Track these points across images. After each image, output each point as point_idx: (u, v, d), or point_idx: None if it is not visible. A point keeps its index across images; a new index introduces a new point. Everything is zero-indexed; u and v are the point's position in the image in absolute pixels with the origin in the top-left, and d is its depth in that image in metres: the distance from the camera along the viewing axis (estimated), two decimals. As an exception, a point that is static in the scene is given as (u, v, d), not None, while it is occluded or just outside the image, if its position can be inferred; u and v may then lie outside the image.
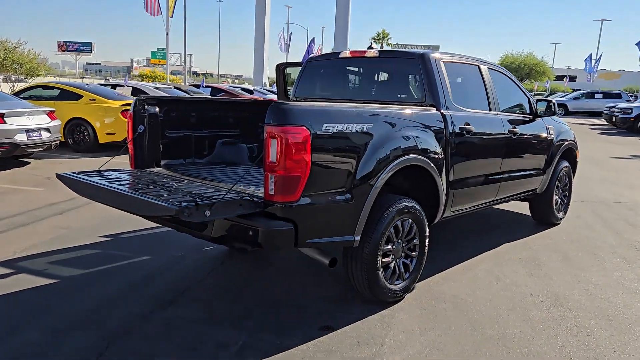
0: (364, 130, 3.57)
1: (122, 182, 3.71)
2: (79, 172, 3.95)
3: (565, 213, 6.76)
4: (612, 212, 7.38)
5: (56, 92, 12.25)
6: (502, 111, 5.25)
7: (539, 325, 3.78)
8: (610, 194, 8.74)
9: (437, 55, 4.58)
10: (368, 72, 5.13)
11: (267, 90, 25.90)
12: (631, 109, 22.23)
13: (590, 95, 36.28)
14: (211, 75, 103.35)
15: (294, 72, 6.81)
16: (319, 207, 3.34)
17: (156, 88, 15.52)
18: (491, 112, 5.08)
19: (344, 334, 3.56)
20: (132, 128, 4.26)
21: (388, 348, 3.40)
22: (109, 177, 3.91)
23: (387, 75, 4.95)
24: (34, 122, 9.50)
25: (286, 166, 3.14)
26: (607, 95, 35.44)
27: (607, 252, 5.58)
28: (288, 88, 6.37)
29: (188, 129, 4.67)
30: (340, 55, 5.08)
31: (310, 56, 5.59)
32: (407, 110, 4.08)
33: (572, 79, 71.36)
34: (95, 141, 11.53)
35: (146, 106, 4.29)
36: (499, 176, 5.15)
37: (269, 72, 40.90)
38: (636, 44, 34.86)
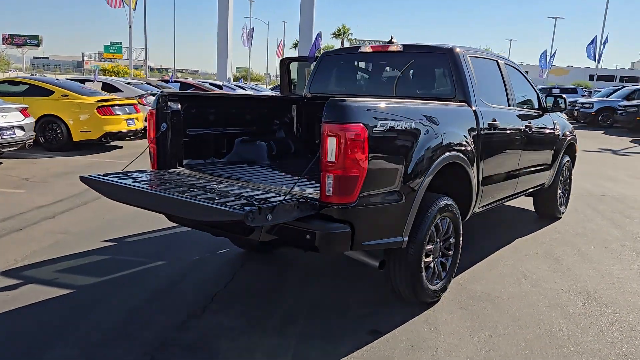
0: (412, 127, 3.46)
1: (162, 186, 3.46)
2: (106, 175, 3.67)
3: (566, 207, 6.86)
4: (605, 205, 7.55)
5: (23, 88, 11.61)
6: (517, 106, 5.25)
7: (582, 322, 3.77)
8: (595, 186, 8.95)
9: (462, 49, 4.51)
10: (390, 68, 5.01)
11: (236, 85, 25.43)
12: (592, 103, 22.99)
13: (549, 91, 37.40)
14: (166, 70, 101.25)
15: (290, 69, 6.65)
16: (373, 208, 3.21)
17: (128, 83, 14.96)
18: (510, 107, 5.06)
19: (395, 338, 3.44)
20: (155, 126, 3.99)
21: (444, 352, 3.30)
22: (141, 179, 3.65)
23: (411, 70, 4.85)
24: (7, 120, 8.94)
25: (345, 166, 2.99)
26: (564, 91, 36.60)
27: (616, 244, 5.67)
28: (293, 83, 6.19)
29: (207, 126, 4.44)
30: (360, 50, 4.94)
31: (324, 51, 5.42)
32: (446, 107, 3.99)
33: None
34: (69, 139, 10.97)
35: (169, 103, 4.04)
36: (517, 171, 5.15)
37: (233, 67, 40.43)
38: (589, 44, 36.10)
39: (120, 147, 12.09)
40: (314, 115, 5.26)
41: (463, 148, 3.98)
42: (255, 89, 27.13)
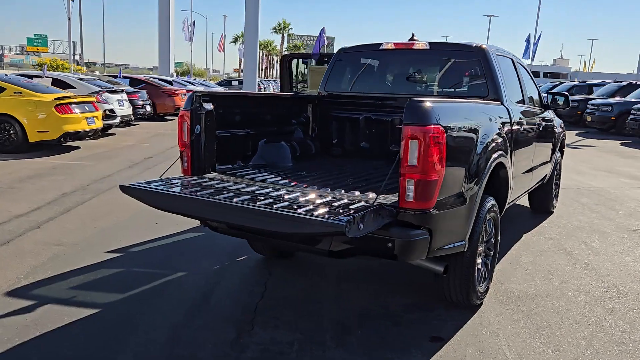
0: (474, 127, 3.39)
1: (221, 194, 3.18)
2: (149, 183, 3.35)
3: (557, 201, 7.06)
4: (586, 198, 7.84)
5: (-32, 85, 10.64)
6: (528, 103, 5.31)
7: (626, 317, 3.84)
8: (568, 180, 9.26)
9: (489, 47, 4.49)
10: (414, 65, 4.91)
11: (184, 80, 24.59)
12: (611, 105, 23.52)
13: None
14: (94, 64, 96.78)
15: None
16: (447, 213, 3.11)
17: (80, 79, 14.08)
18: (525, 104, 5.10)
19: (459, 344, 3.36)
20: (190, 129, 3.69)
21: (515, 356, 3.25)
22: (191, 187, 3.35)
23: (438, 68, 4.78)
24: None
25: (426, 169, 2.87)
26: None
27: (615, 236, 5.87)
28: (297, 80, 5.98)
29: (234, 128, 4.18)
30: (381, 47, 4.81)
31: (342, 47, 5.24)
32: (493, 106, 3.95)
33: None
34: (24, 140, 10.17)
35: (203, 104, 3.75)
36: (532, 167, 5.23)
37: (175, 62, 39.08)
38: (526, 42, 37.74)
39: (78, 147, 11.35)
40: (329, 115, 5.09)
41: (504, 146, 3.96)
42: (205, 85, 26.41)
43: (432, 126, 2.86)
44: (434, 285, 3.90)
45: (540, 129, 5.40)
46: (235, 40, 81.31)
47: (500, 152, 3.78)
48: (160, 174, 3.77)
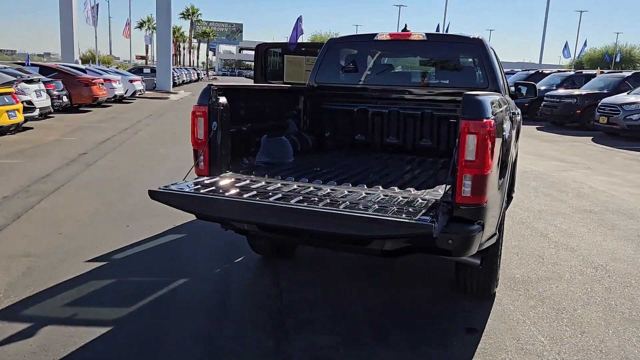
0: (502, 119, 3.42)
1: (268, 196, 2.97)
2: (181, 187, 3.04)
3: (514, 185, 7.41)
4: (534, 182, 8.33)
5: None
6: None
7: (625, 294, 4.10)
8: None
9: (483, 38, 4.56)
10: (410, 57, 4.88)
11: (97, 69, 23.02)
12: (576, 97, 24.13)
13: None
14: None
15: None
16: (491, 206, 3.12)
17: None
18: (507, 95, 5.27)
19: (496, 334, 3.41)
20: (207, 126, 3.40)
21: (552, 341, 3.35)
22: (226, 190, 3.09)
23: (435, 60, 4.78)
24: None
25: (483, 164, 2.84)
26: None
27: (576, 217, 6.28)
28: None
29: (241, 123, 3.92)
30: (376, 38, 4.72)
31: (332, 37, 5.08)
32: (505, 99, 4.02)
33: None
34: None
35: (219, 98, 3.47)
36: (516, 156, 5.43)
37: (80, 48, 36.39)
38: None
39: (-3, 143, 10.26)
40: (321, 107, 4.95)
41: (514, 138, 4.06)
42: (121, 73, 24.91)
43: (488, 120, 2.84)
44: (451, 276, 3.94)
45: (518, 119, 5.61)
46: (141, 25, 77.47)
47: (514, 144, 3.87)
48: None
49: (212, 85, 3.48)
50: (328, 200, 2.88)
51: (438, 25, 39.90)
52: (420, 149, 4.65)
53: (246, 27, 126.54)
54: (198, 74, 58.26)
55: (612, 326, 3.58)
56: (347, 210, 2.69)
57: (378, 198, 3.00)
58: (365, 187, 3.33)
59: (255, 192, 3.03)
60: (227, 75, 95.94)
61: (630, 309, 3.84)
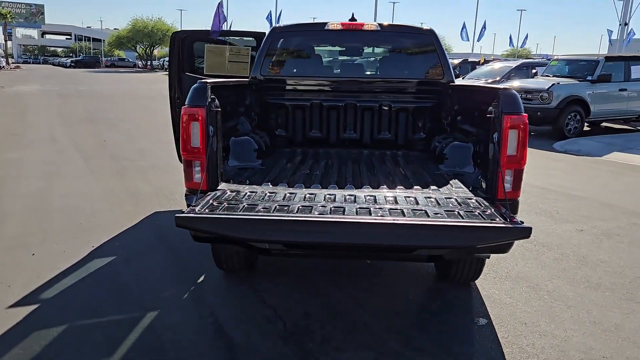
0: None
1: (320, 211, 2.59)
2: (212, 210, 2.48)
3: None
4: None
5: None
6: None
7: (611, 282, 4.35)
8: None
9: (430, 30, 4.61)
10: (362, 48, 4.69)
11: None
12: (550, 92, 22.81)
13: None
14: None
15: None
16: None
17: None
18: None
19: (506, 322, 3.49)
20: (204, 131, 2.85)
21: (571, 318, 3.53)
22: (255, 207, 2.62)
23: (389, 51, 4.66)
24: None
25: (522, 158, 2.86)
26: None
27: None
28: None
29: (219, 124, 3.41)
30: (327, 27, 4.45)
31: (275, 26, 4.63)
32: None
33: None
34: None
35: (215, 99, 2.94)
36: None
37: None
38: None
39: None
40: (268, 102, 4.56)
41: None
42: None
43: (524, 114, 2.85)
44: (425, 269, 3.95)
45: None
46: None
47: None
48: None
49: (206, 82, 2.93)
50: (379, 208, 2.63)
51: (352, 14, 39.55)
52: (379, 142, 4.56)
53: (49, 8, 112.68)
54: (-5, 62, 50.45)
55: (585, 297, 3.91)
56: (441, 220, 2.48)
57: (424, 201, 2.83)
58: (378, 188, 3.13)
59: (295, 208, 2.65)
60: (30, 62, 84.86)
61: (589, 277, 4.25)
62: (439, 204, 2.81)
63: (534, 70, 15.39)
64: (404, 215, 2.56)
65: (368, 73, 4.72)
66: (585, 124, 12.84)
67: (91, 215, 5.48)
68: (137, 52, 68.22)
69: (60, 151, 9.12)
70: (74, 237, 4.80)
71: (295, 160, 4.06)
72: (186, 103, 2.88)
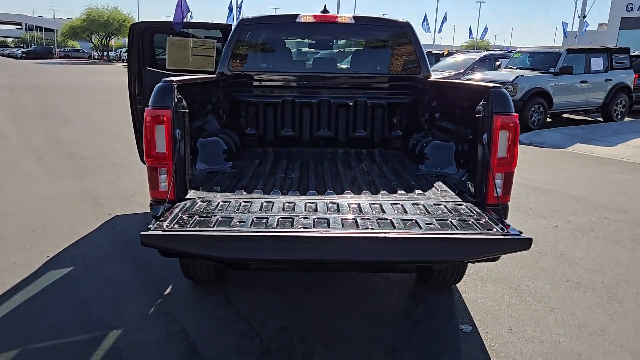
0: None
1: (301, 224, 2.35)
2: (182, 225, 2.21)
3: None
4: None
5: None
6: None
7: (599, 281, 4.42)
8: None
9: (406, 23, 4.43)
10: (335, 41, 4.46)
11: None
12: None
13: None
14: None
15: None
16: None
17: None
18: None
19: (491, 329, 3.37)
20: (171, 134, 2.58)
21: (554, 326, 3.44)
22: (214, 220, 2.37)
23: (363, 44, 4.44)
24: None
25: (512, 160, 2.71)
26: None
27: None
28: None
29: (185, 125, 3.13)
30: (298, 19, 4.20)
31: (243, 18, 4.33)
32: None
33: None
34: None
35: (182, 98, 2.67)
36: None
37: None
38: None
39: None
40: (237, 99, 4.30)
41: None
42: None
43: (515, 114, 2.69)
44: (399, 276, 3.81)
45: None
46: None
47: None
48: None
49: (172, 80, 2.66)
50: (366, 219, 2.43)
51: (230, 2, 39.13)
52: (355, 140, 4.36)
53: None
54: None
55: (567, 297, 3.83)
56: (435, 232, 2.29)
57: (413, 208, 2.65)
58: (361, 194, 2.93)
59: (275, 221, 2.41)
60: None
61: (569, 276, 4.19)
62: (428, 211, 2.63)
63: (497, 63, 15.50)
64: (394, 227, 2.37)
65: (342, 68, 4.51)
66: (547, 116, 13.00)
67: (45, 221, 5.10)
68: (92, 42, 66.00)
69: (10, 149, 8.58)
70: (26, 246, 4.44)
71: (268, 161, 3.82)
72: (150, 104, 2.60)
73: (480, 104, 2.76)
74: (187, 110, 2.72)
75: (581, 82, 13.18)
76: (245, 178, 3.28)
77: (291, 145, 4.31)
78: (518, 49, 16.16)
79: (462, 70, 15.65)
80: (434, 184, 3.21)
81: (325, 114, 4.28)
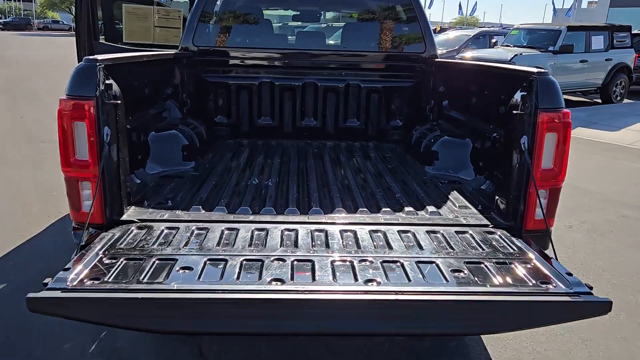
0: None
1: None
2: (101, 278, 1.52)
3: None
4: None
5: None
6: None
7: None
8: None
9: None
10: (323, 12, 3.71)
11: None
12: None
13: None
14: None
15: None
16: None
17: None
18: None
19: (496, 339, 2.76)
20: (97, 135, 1.86)
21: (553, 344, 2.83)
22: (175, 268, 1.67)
23: (355, 16, 3.70)
24: None
25: (560, 172, 2.03)
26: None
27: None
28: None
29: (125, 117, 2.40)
30: (279, -14, 3.46)
31: None
32: None
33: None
34: None
35: (113, 84, 1.94)
36: None
37: None
38: None
39: None
40: (205, 80, 3.56)
41: None
42: None
43: (568, 111, 2.01)
44: None
45: None
46: None
47: None
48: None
49: (96, 58, 1.92)
50: (369, 263, 1.74)
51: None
52: (346, 131, 3.66)
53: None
54: None
55: (598, 324, 3.22)
56: (469, 292, 1.60)
57: (428, 240, 1.96)
58: (356, 212, 2.25)
59: (236, 267, 1.72)
60: (-48, 24, 77.68)
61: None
62: (450, 246, 1.95)
63: (493, 40, 14.80)
64: (407, 277, 1.68)
65: (331, 44, 3.77)
66: (546, 97, 12.39)
67: (-17, 221, 4.36)
68: (72, 14, 63.77)
69: (-37, 131, 7.74)
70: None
71: (241, 159, 3.12)
72: (65, 92, 1.87)
73: (518, 94, 2.07)
74: (119, 101, 2.00)
75: (581, 61, 12.53)
76: (208, 186, 2.58)
77: (270, 137, 3.61)
78: (516, 26, 15.41)
79: (456, 48, 14.92)
80: (449, 196, 2.53)
81: (311, 99, 3.57)
